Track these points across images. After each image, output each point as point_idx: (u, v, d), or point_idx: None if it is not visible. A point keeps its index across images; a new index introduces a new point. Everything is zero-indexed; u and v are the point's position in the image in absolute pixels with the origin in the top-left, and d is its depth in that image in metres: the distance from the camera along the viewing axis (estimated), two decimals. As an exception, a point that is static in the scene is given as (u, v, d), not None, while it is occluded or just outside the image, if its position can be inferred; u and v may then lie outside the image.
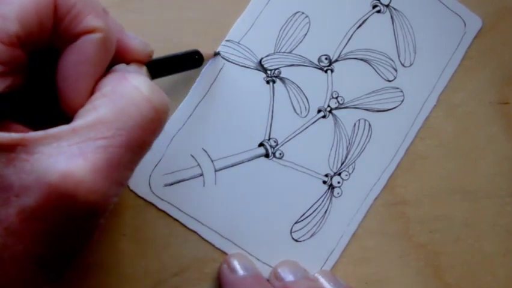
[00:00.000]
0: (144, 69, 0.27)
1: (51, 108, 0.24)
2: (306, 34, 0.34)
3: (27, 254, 0.21)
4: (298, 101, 0.33)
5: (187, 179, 0.32)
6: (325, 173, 0.33)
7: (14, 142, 0.21)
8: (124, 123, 0.22)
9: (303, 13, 0.34)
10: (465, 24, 0.35)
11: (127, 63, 0.26)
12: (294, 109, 0.33)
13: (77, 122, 0.22)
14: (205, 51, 0.31)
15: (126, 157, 0.22)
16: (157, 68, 0.28)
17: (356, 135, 0.34)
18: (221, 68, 0.33)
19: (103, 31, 0.23)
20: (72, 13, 0.23)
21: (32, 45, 0.23)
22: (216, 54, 0.33)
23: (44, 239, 0.21)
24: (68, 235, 0.22)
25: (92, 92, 0.24)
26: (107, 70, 0.25)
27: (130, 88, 0.23)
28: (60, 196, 0.20)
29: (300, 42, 0.34)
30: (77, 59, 0.23)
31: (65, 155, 0.21)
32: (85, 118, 0.22)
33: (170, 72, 0.30)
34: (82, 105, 0.23)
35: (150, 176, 0.31)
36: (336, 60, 0.34)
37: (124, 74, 0.24)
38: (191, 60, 0.31)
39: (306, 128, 0.33)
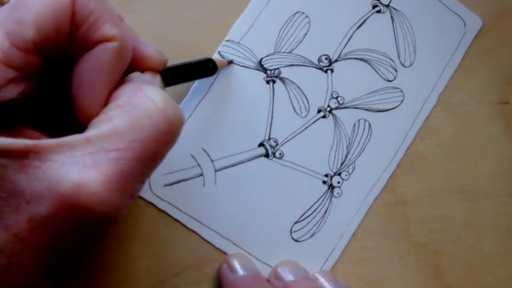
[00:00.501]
0: (158, 77, 0.26)
1: (65, 115, 0.24)
2: (306, 34, 0.34)
3: (34, 261, 0.21)
4: (298, 101, 0.33)
5: (187, 179, 0.32)
6: (325, 173, 0.33)
7: (27, 148, 0.21)
8: (138, 135, 0.22)
9: (303, 13, 0.34)
10: (465, 24, 0.35)
11: (142, 71, 0.26)
12: (294, 109, 0.33)
13: (91, 132, 0.22)
14: (218, 59, 0.32)
15: (138, 169, 0.22)
16: (171, 76, 0.28)
17: (356, 135, 0.34)
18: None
19: (120, 40, 0.23)
20: (89, 20, 0.23)
21: (47, 51, 0.23)
22: (230, 62, 0.33)
23: (52, 247, 0.21)
24: (76, 244, 0.22)
25: (106, 102, 0.23)
26: (122, 78, 0.25)
27: (145, 100, 0.23)
28: (72, 206, 0.20)
29: (300, 42, 0.34)
30: (93, 67, 0.23)
31: (78, 165, 0.21)
32: (99, 128, 0.22)
33: (184, 80, 0.30)
34: (96, 114, 0.23)
35: (150, 176, 0.31)
36: (336, 60, 0.34)
37: (140, 84, 0.24)
38: (205, 69, 0.31)
39: (306, 128, 0.33)
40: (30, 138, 0.21)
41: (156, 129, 0.22)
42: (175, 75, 0.28)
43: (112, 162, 0.21)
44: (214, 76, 0.32)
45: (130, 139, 0.22)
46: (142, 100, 0.23)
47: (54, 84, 0.24)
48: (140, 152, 0.22)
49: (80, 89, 0.23)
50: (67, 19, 0.22)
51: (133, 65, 0.25)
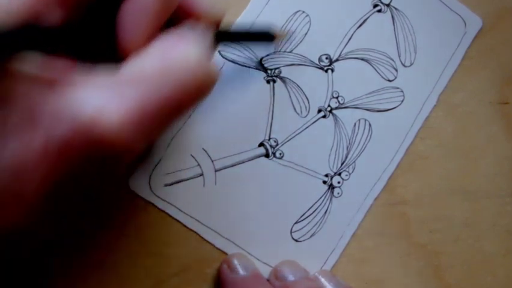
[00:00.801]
0: (208, 35, 0.26)
1: (104, 49, 0.23)
2: (306, 33, 0.34)
3: (41, 184, 0.21)
4: (298, 101, 0.33)
5: (187, 179, 0.32)
6: (325, 173, 0.33)
7: (57, 73, 0.21)
8: (168, 82, 0.22)
9: (303, 12, 0.34)
10: (465, 24, 0.35)
11: (195, 23, 0.26)
12: (295, 109, 0.33)
13: (124, 69, 0.22)
14: (278, 31, 0.31)
15: (160, 115, 0.22)
16: (224, 38, 0.27)
17: (356, 135, 0.34)
18: (221, 68, 0.33)
19: None
20: None
21: None
22: (288, 33, 0.33)
23: (61, 172, 0.21)
24: (85, 177, 0.22)
25: (149, 41, 0.23)
26: (170, 26, 0.24)
27: (184, 52, 0.23)
28: (88, 135, 0.20)
29: (301, 41, 0.34)
30: (142, 5, 0.23)
31: (103, 97, 0.21)
32: (132, 66, 0.22)
33: (238, 43, 0.29)
34: (137, 49, 0.23)
35: (150, 176, 0.31)
36: (337, 60, 0.34)
37: (184, 36, 0.24)
38: (262, 40, 0.30)
39: (307, 127, 0.33)
40: (64, 63, 0.21)
41: (187, 83, 0.22)
42: (228, 39, 0.28)
43: (135, 100, 0.21)
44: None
45: (158, 84, 0.22)
46: (181, 51, 0.23)
47: (99, 16, 0.24)
48: (165, 100, 0.22)
49: (124, 25, 0.23)
50: None
51: (187, 15, 0.25)
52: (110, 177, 0.23)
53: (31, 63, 0.21)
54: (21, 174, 0.21)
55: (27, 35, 0.21)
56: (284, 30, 0.32)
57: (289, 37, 0.33)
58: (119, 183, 0.24)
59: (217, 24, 0.27)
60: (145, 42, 0.23)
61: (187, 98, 0.23)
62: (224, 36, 0.27)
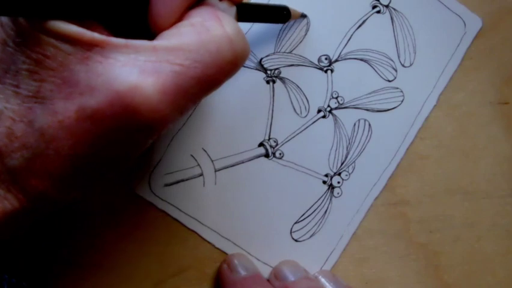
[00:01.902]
0: (234, 9, 0.27)
1: (138, 22, 0.24)
2: (306, 34, 0.34)
3: (72, 152, 0.21)
4: (298, 101, 0.33)
5: (187, 179, 0.32)
6: (325, 173, 0.33)
7: (93, 41, 0.21)
8: (203, 57, 0.22)
9: (303, 12, 0.34)
10: (465, 24, 0.35)
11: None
12: (294, 109, 0.33)
13: (159, 41, 0.22)
14: (293, 9, 0.32)
15: (194, 89, 0.22)
16: (246, 12, 0.28)
17: (356, 135, 0.34)
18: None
19: None
20: None
21: None
22: (303, 16, 0.33)
23: (93, 142, 0.21)
24: (115, 145, 0.22)
25: (181, 17, 0.24)
26: (200, 1, 0.25)
27: (217, 25, 0.23)
28: (123, 106, 0.21)
29: (300, 42, 0.34)
30: None
31: (139, 69, 0.21)
32: (168, 40, 0.22)
33: (257, 20, 0.30)
34: (168, 26, 0.23)
35: (150, 176, 0.31)
36: (336, 60, 0.34)
37: (215, 10, 0.24)
38: (278, 15, 0.31)
39: (306, 128, 0.33)
40: (99, 33, 0.21)
41: (221, 57, 0.23)
42: (249, 12, 0.29)
43: (172, 74, 0.21)
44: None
45: (195, 59, 0.22)
46: (214, 25, 0.23)
47: None
48: (201, 74, 0.22)
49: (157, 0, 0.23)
50: None
51: None
52: (139, 146, 0.23)
53: (68, 30, 0.21)
54: (53, 141, 0.21)
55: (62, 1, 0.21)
56: (298, 11, 0.33)
57: (304, 19, 0.33)
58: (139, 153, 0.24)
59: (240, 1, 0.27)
60: (177, 18, 0.24)
61: (224, 71, 0.23)
62: (244, 10, 0.28)
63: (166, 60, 0.22)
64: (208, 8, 0.24)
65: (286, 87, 0.33)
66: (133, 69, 0.21)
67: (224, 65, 0.23)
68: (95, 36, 0.21)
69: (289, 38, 0.34)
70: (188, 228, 0.31)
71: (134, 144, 0.23)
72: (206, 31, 0.23)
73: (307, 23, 0.34)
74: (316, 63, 0.34)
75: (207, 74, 0.22)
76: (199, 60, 0.22)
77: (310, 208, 0.33)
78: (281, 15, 0.31)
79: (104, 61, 0.21)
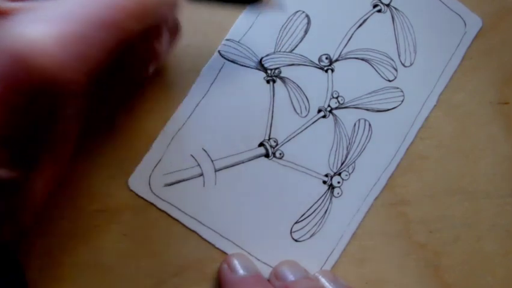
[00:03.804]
0: None
1: None
2: (306, 33, 0.34)
3: None
4: (298, 101, 0.33)
5: (187, 179, 0.32)
6: (325, 173, 0.33)
7: None
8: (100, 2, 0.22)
9: (303, 12, 0.34)
10: (465, 24, 0.35)
11: None
12: (294, 109, 0.33)
13: None
14: None
15: (95, 32, 0.21)
16: None
17: (356, 135, 0.34)
18: (221, 68, 0.33)
19: None
20: None
21: None
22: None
23: (5, 111, 0.20)
24: (31, 112, 0.21)
25: None
26: None
27: None
28: (25, 64, 0.20)
29: (301, 41, 0.34)
30: None
31: (35, 25, 0.20)
32: None
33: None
34: None
35: (150, 176, 0.31)
36: (337, 60, 0.34)
37: None
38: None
39: (306, 127, 0.33)
40: None
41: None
42: None
43: (64, 22, 0.21)
44: (214, 76, 0.32)
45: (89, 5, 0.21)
46: None
47: None
48: (95, 14, 0.21)
49: None
50: None
51: None
52: (59, 117, 0.21)
53: None
54: None
55: None
56: None
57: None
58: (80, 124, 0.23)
59: None
60: None
61: (126, 10, 0.22)
62: None
63: (59, 7, 0.21)
64: None
65: (286, 87, 0.33)
66: (29, 26, 0.20)
67: (122, 3, 0.22)
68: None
69: (289, 37, 0.33)
70: (189, 228, 0.31)
71: (51, 109, 0.21)
72: None
73: (308, 22, 0.34)
74: (317, 62, 0.34)
75: (103, 14, 0.22)
76: (89, 5, 0.21)
77: (310, 208, 0.33)
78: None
79: (3, 24, 0.21)
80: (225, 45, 0.33)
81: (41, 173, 0.23)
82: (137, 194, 0.31)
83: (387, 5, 0.35)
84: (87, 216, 0.31)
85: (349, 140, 0.34)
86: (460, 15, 0.35)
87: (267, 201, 0.32)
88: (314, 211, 0.33)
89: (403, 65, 0.34)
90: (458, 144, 0.35)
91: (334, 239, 0.33)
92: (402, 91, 0.34)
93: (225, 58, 0.33)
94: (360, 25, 0.34)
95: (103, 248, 0.30)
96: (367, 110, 0.34)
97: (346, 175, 0.33)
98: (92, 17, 0.21)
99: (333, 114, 0.34)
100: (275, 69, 0.33)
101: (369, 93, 0.34)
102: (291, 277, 0.31)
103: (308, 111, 0.33)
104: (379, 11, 0.35)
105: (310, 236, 0.33)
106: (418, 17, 0.35)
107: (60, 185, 0.30)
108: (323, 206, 0.33)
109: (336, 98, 0.34)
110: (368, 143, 0.34)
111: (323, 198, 0.33)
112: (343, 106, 0.34)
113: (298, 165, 0.33)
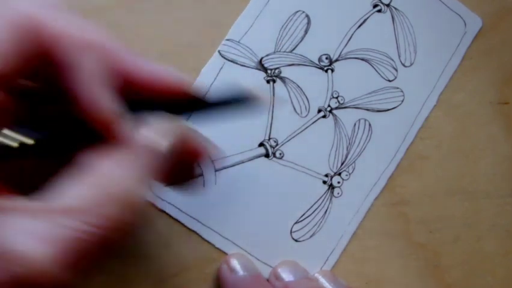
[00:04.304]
0: (169, 136, 0.23)
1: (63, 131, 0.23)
2: (306, 33, 0.34)
3: None
4: (298, 101, 0.33)
5: (187, 179, 0.32)
6: (325, 173, 0.33)
7: None
8: (104, 218, 0.21)
9: (303, 12, 0.34)
10: (465, 24, 0.35)
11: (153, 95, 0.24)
12: (294, 109, 0.33)
13: (57, 202, 0.20)
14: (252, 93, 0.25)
15: (95, 251, 0.21)
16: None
17: (356, 135, 0.34)
18: (221, 68, 0.33)
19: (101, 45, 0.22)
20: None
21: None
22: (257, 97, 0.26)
23: None
24: None
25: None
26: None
27: (122, 182, 0.21)
28: (15, 273, 0.19)
29: (301, 41, 0.34)
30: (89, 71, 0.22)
31: (34, 236, 0.19)
32: (67, 194, 0.21)
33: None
34: (103, 111, 0.22)
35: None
36: (337, 60, 0.34)
37: (120, 158, 0.22)
38: (236, 107, 0.25)
39: (306, 128, 0.33)
40: None
41: (121, 219, 0.21)
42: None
43: (66, 235, 0.20)
44: (214, 76, 0.32)
45: (93, 219, 0.20)
46: (118, 182, 0.21)
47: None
48: (100, 239, 0.20)
49: (82, 87, 0.22)
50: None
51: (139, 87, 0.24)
52: None
53: None
54: None
55: None
56: (260, 92, 0.26)
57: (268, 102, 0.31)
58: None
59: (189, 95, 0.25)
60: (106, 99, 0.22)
61: (124, 232, 0.22)
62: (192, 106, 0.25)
63: (63, 225, 0.20)
64: (114, 155, 0.22)
65: (286, 87, 0.33)
66: (25, 231, 0.19)
67: (124, 227, 0.21)
68: None
69: (289, 37, 0.33)
70: (189, 228, 0.31)
71: None
72: (107, 186, 0.21)
73: (308, 22, 0.34)
74: (317, 62, 0.34)
75: (107, 237, 0.21)
76: (97, 225, 0.20)
77: (310, 208, 0.33)
78: (239, 105, 0.25)
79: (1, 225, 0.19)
80: (225, 45, 0.33)
81: None
82: (137, 194, 0.31)
83: (387, 5, 0.35)
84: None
85: (349, 140, 0.34)
86: (460, 15, 0.35)
87: (267, 201, 0.32)
88: (314, 211, 0.33)
89: (403, 65, 0.34)
90: (458, 144, 0.35)
91: (334, 239, 0.33)
92: (402, 91, 0.34)
93: (225, 58, 0.33)
94: (360, 25, 0.34)
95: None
96: (367, 110, 0.34)
97: (346, 175, 0.33)
98: (96, 240, 0.20)
99: (333, 114, 0.34)
100: (275, 69, 0.33)
101: (369, 93, 0.34)
102: (291, 277, 0.31)
103: (308, 111, 0.33)
104: (379, 11, 0.35)
105: (311, 236, 0.33)
106: (418, 17, 0.35)
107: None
108: (323, 206, 0.33)
109: (336, 98, 0.34)
110: (368, 143, 0.34)
111: (323, 198, 0.33)
112: (343, 106, 0.34)
113: (298, 165, 0.33)
